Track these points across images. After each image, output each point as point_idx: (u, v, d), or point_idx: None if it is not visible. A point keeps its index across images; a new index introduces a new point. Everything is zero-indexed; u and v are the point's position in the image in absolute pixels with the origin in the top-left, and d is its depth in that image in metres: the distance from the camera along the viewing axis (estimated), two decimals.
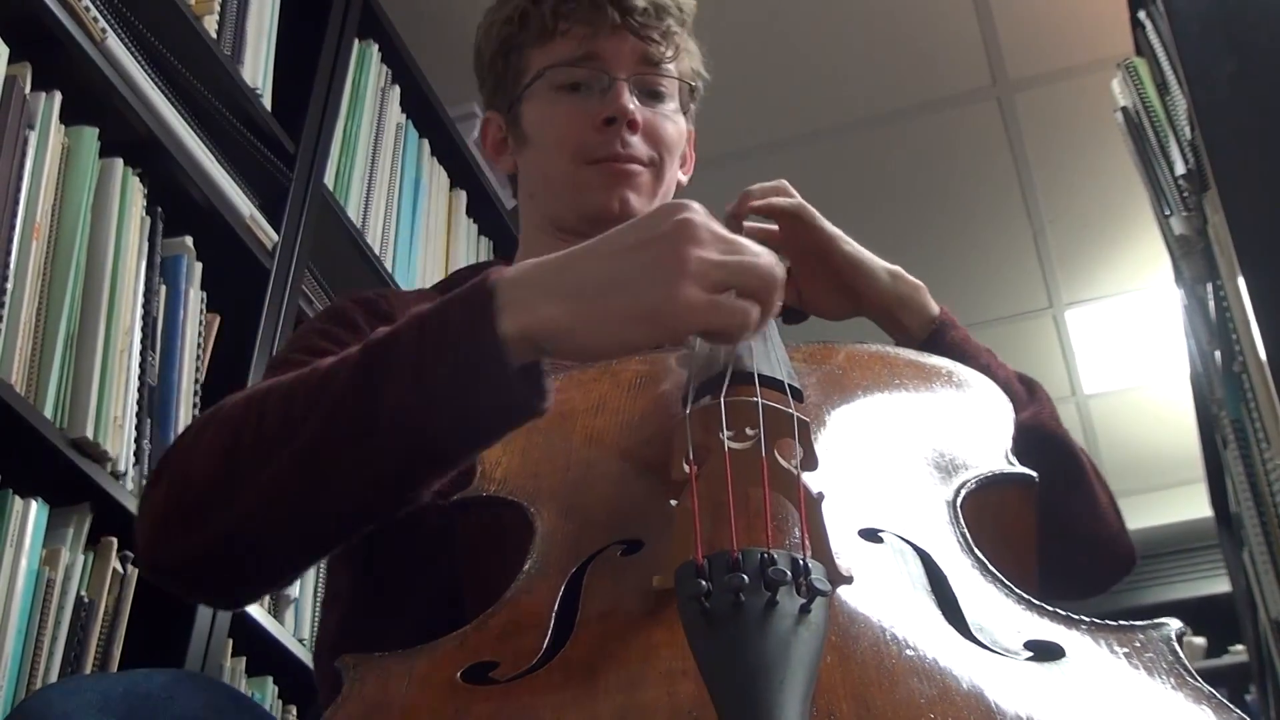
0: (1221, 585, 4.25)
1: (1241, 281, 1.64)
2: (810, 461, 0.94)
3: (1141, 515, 5.35)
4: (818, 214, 1.45)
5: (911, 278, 1.45)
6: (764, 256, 0.99)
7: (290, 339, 1.40)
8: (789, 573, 0.76)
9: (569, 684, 0.78)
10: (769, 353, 1.16)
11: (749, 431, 0.95)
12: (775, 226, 1.44)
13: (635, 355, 1.32)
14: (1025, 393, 1.39)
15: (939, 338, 1.40)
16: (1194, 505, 4.16)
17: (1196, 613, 4.85)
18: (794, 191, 1.47)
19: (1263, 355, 1.60)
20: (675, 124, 1.51)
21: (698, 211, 1.00)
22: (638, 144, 1.45)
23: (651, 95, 1.49)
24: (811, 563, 0.78)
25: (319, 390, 1.03)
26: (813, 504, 0.88)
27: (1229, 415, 2.08)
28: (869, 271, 1.42)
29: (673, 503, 0.87)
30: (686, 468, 0.91)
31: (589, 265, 0.99)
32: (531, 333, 0.96)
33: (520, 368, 0.97)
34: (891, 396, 1.20)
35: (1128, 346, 4.75)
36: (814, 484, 0.91)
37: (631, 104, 1.45)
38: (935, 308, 1.44)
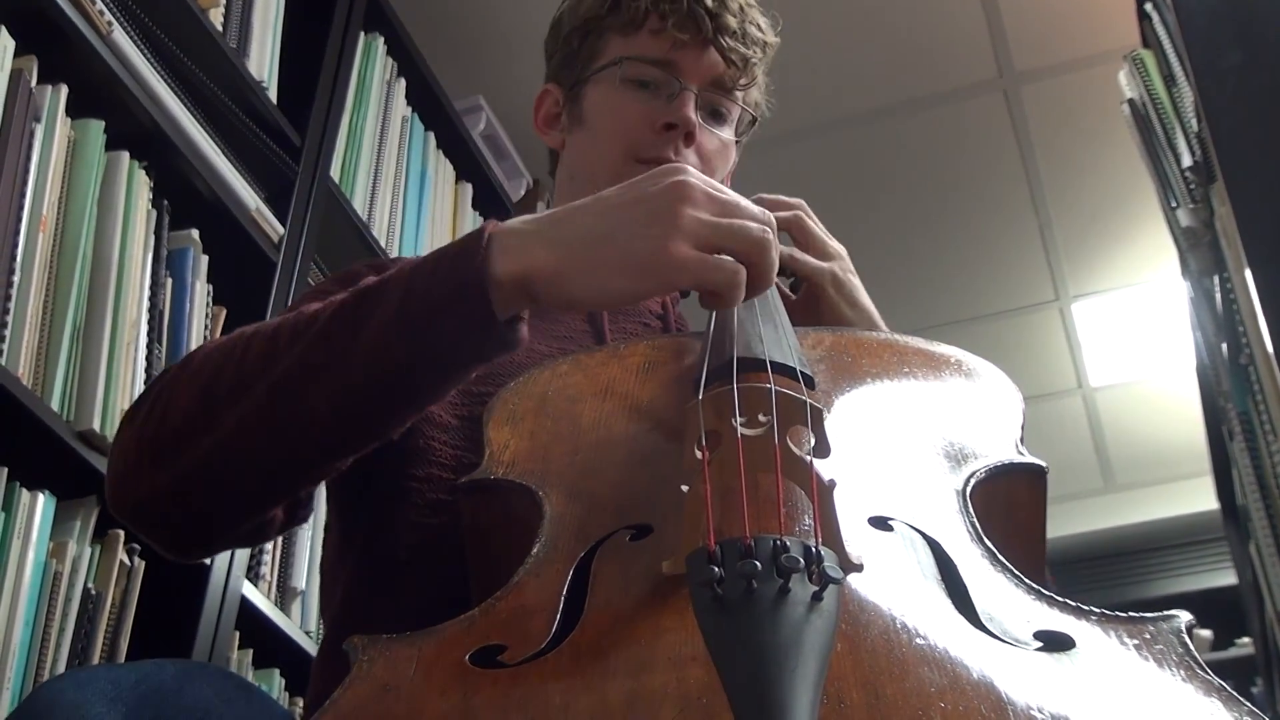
0: (1228, 578, 4.26)
1: (1248, 274, 1.64)
2: (822, 449, 0.94)
3: (1148, 508, 5.36)
4: (819, 227, 1.46)
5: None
6: (756, 220, 1.02)
7: (307, 292, 1.41)
8: (802, 560, 0.75)
9: (577, 668, 0.78)
10: (780, 339, 1.16)
11: (761, 418, 0.95)
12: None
13: (624, 308, 1.37)
14: None
15: None
16: (1200, 498, 4.17)
17: (1203, 605, 4.84)
18: (808, 210, 1.47)
19: (1269, 347, 1.60)
20: (726, 149, 1.51)
21: (693, 174, 1.03)
22: (689, 156, 1.44)
23: (714, 115, 1.49)
24: (823, 550, 0.78)
25: (304, 328, 1.06)
26: (825, 491, 0.88)
27: (1235, 408, 2.08)
28: (855, 319, 1.42)
29: (684, 488, 0.87)
30: (698, 453, 0.91)
31: (584, 218, 1.03)
32: (523, 277, 1.00)
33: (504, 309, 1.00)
34: (901, 384, 1.20)
35: (1134, 339, 4.74)
36: (825, 471, 0.91)
37: (694, 116, 1.45)
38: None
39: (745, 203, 1.03)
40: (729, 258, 0.99)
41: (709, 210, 1.00)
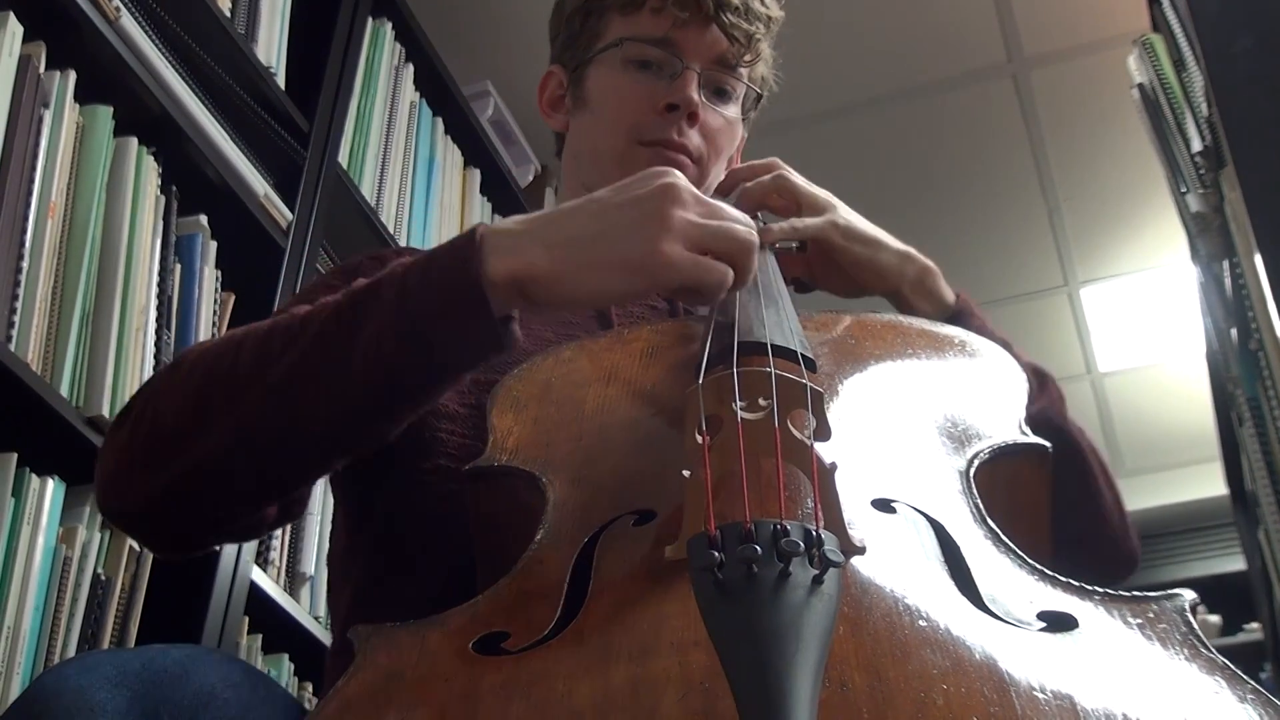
0: (1237, 564, 4.26)
1: (1258, 259, 1.63)
2: (823, 432, 0.94)
3: (1157, 493, 5.36)
4: (803, 182, 1.44)
5: (924, 260, 1.43)
6: (741, 222, 1.05)
7: (298, 292, 1.41)
8: (802, 544, 0.76)
9: (581, 654, 0.78)
10: (782, 322, 1.16)
11: (762, 402, 0.95)
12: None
13: (616, 305, 1.37)
14: (1036, 385, 1.38)
15: (954, 325, 1.39)
16: (1209, 483, 4.16)
17: (1211, 591, 4.85)
18: (782, 165, 1.46)
19: (1279, 333, 1.59)
20: (731, 127, 1.50)
21: (680, 177, 1.05)
22: (692, 136, 1.44)
23: (718, 93, 1.48)
24: (824, 533, 0.78)
25: (299, 330, 1.07)
26: (825, 474, 0.88)
27: (1245, 393, 2.07)
28: (871, 254, 1.41)
29: (685, 473, 0.87)
30: (699, 438, 0.91)
31: (576, 219, 1.05)
32: (517, 277, 1.01)
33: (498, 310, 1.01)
34: (904, 366, 1.20)
35: (1143, 324, 4.74)
36: (827, 454, 0.91)
37: (697, 96, 1.43)
38: (951, 294, 1.43)
39: (728, 207, 1.06)
40: (715, 261, 1.02)
41: (696, 212, 1.03)
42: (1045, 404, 1.35)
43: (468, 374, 1.08)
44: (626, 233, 1.02)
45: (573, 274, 1.02)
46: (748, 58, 1.48)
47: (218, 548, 2.07)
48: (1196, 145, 2.06)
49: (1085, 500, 1.37)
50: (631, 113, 1.45)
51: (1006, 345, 1.39)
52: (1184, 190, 2.18)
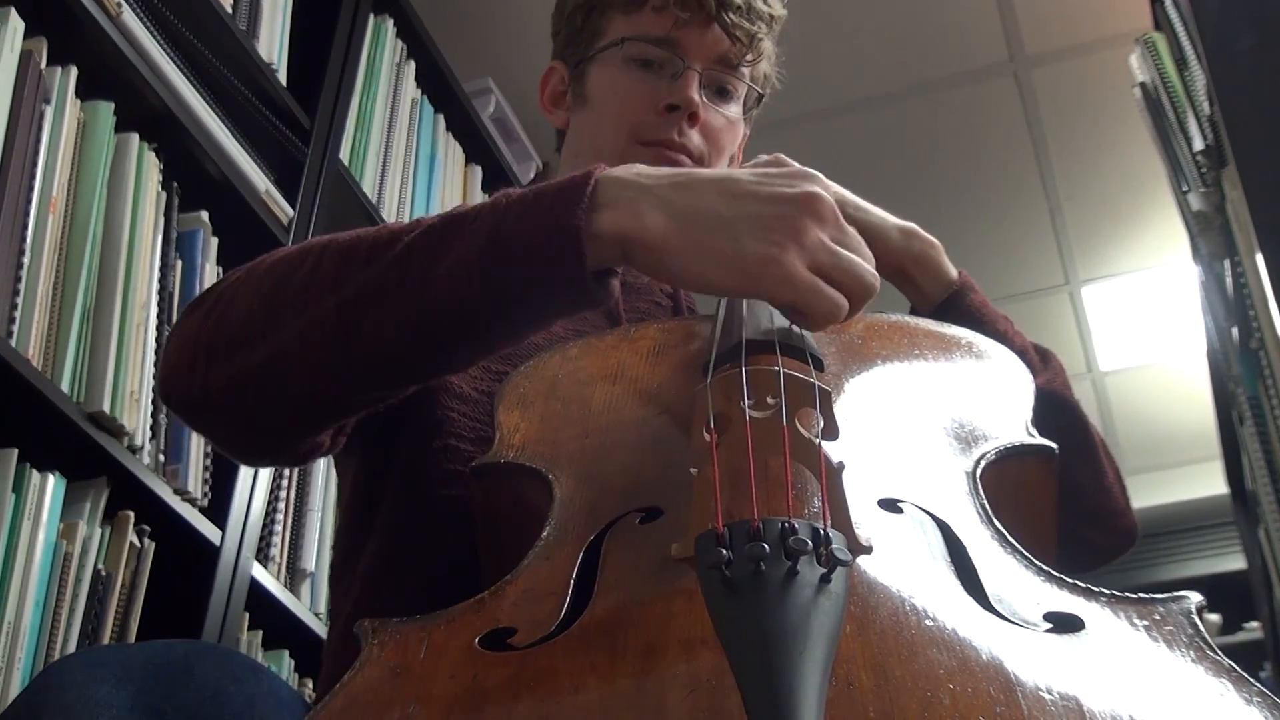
0: (1237, 562, 4.26)
1: (1260, 258, 1.63)
2: (831, 431, 0.94)
3: (1157, 492, 5.36)
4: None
5: (927, 235, 1.41)
6: (870, 261, 0.99)
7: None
8: (809, 542, 0.75)
9: (587, 651, 0.78)
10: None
11: (770, 400, 0.95)
12: None
13: (636, 286, 1.37)
14: (1040, 361, 1.38)
15: (956, 302, 1.38)
16: (1210, 482, 4.16)
17: (1212, 590, 4.79)
18: (790, 162, 1.45)
19: None
20: (733, 126, 1.49)
21: (827, 188, 0.99)
22: (693, 137, 1.43)
23: (719, 93, 1.48)
24: (832, 532, 0.78)
25: (385, 244, 1.03)
26: (833, 473, 0.87)
27: (1246, 392, 2.07)
28: (874, 227, 1.38)
29: (692, 471, 0.87)
30: (706, 436, 0.91)
31: (707, 195, 0.98)
32: (626, 236, 0.96)
33: (596, 264, 0.96)
34: (911, 366, 1.20)
35: (1144, 323, 4.74)
36: (834, 453, 0.91)
37: (698, 96, 1.43)
38: (953, 271, 1.41)
39: (860, 240, 1.01)
40: (835, 291, 0.96)
41: (832, 235, 0.97)
42: (1049, 377, 1.35)
43: (550, 322, 1.04)
44: (755, 229, 0.95)
45: (685, 252, 0.95)
46: (750, 57, 1.48)
47: (217, 542, 2.07)
48: (1198, 144, 2.06)
49: (1090, 473, 1.37)
50: (632, 112, 1.44)
51: (1008, 322, 1.39)
52: (1185, 189, 2.18)
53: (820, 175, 1.02)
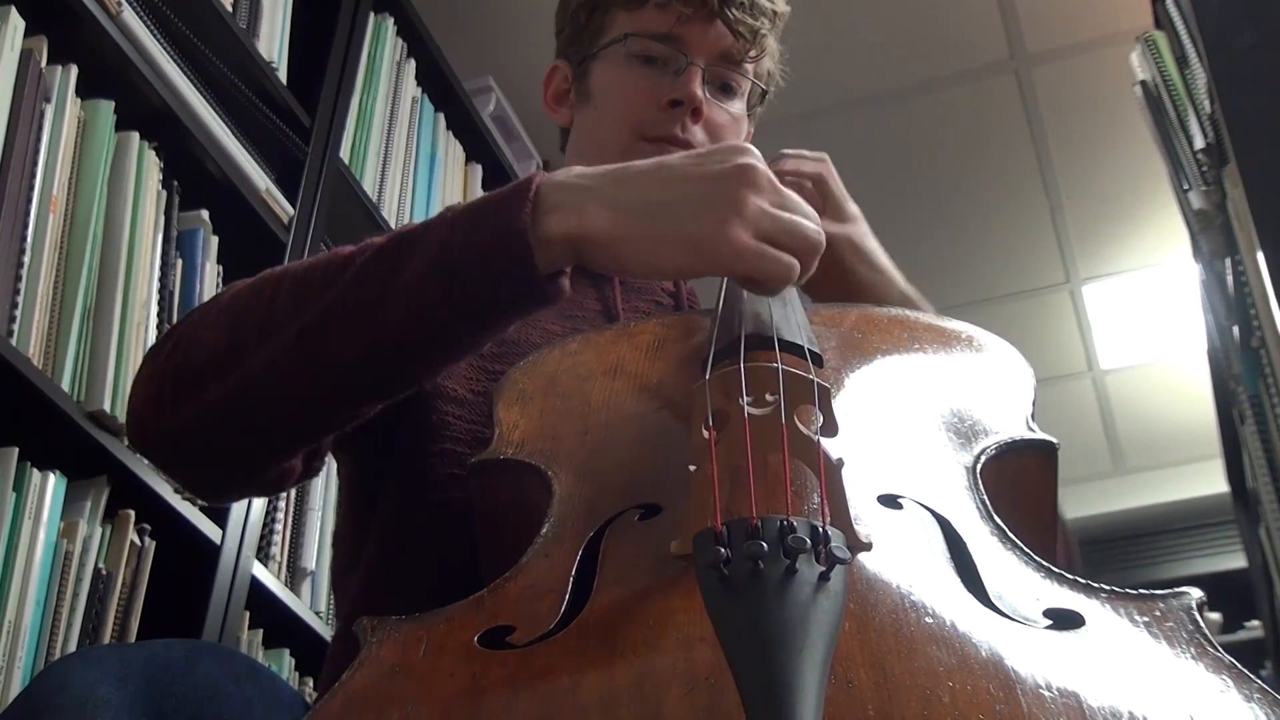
0: (1237, 561, 4.25)
1: (1260, 256, 1.63)
2: (830, 427, 0.94)
3: (1158, 490, 5.36)
4: (840, 187, 1.44)
5: (926, 305, 1.43)
6: (813, 219, 1.01)
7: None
8: (808, 540, 0.75)
9: (586, 649, 0.78)
10: (789, 317, 1.15)
11: (769, 397, 0.95)
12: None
13: (637, 284, 1.37)
14: None
15: None
16: (1211, 481, 4.16)
17: (1212, 588, 4.80)
18: (832, 168, 1.46)
19: None
20: (737, 122, 1.49)
21: (758, 158, 1.01)
22: (696, 133, 1.43)
23: (723, 89, 1.48)
24: (831, 530, 0.78)
25: (340, 268, 1.05)
26: (832, 470, 0.87)
27: (1247, 391, 2.07)
28: (875, 279, 1.41)
29: (691, 468, 0.86)
30: (705, 433, 0.91)
31: (645, 184, 1.01)
32: (575, 237, 0.99)
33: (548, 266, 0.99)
34: (911, 361, 1.20)
35: (1145, 322, 4.74)
36: (833, 450, 0.90)
37: (701, 92, 1.43)
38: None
39: (800, 200, 1.02)
40: (784, 253, 0.98)
41: (770, 200, 0.99)
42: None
43: (509, 325, 1.05)
44: (695, 209, 0.98)
45: (633, 242, 0.98)
46: (753, 53, 1.48)
47: (218, 540, 2.07)
48: (1199, 142, 2.06)
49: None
50: (635, 108, 1.44)
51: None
52: (1186, 187, 2.18)
53: (752, 147, 1.03)
